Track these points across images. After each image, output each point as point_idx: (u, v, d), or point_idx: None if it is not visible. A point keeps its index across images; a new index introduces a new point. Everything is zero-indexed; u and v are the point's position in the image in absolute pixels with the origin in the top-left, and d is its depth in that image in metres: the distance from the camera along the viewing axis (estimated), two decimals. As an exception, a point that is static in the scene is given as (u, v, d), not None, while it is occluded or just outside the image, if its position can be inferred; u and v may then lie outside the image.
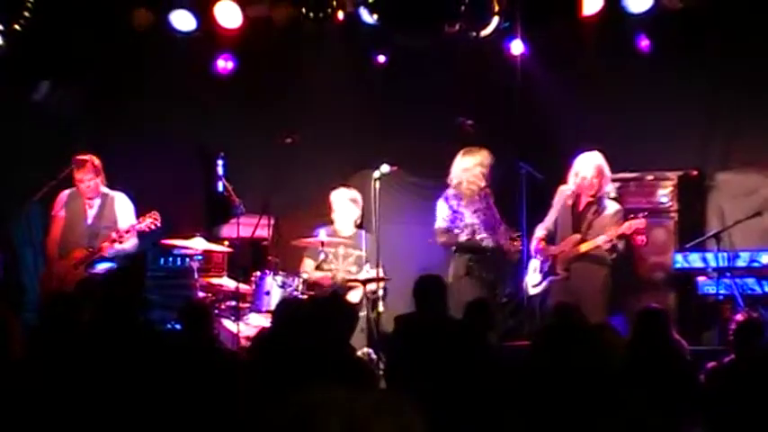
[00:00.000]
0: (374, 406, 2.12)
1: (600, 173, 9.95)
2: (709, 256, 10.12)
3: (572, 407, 3.50)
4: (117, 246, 10.03)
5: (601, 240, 9.77)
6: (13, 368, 5.36)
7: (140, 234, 10.14)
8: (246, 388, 5.29)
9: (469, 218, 10.19)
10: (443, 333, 7.50)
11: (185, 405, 5.59)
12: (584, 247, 9.88)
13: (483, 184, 10.21)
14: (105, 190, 10.32)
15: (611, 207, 10.04)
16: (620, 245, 9.85)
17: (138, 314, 6.68)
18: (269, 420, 2.14)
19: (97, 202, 10.26)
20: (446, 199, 10.30)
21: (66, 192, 10.33)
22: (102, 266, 10.02)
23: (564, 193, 10.11)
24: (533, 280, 10.15)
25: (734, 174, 10.90)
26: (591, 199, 10.01)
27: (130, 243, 10.13)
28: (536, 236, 10.14)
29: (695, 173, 10.90)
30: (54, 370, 5.63)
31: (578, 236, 9.94)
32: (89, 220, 10.23)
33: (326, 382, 2.99)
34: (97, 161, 10.22)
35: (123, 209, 10.30)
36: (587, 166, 9.98)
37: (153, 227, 10.03)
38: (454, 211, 10.23)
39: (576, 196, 10.07)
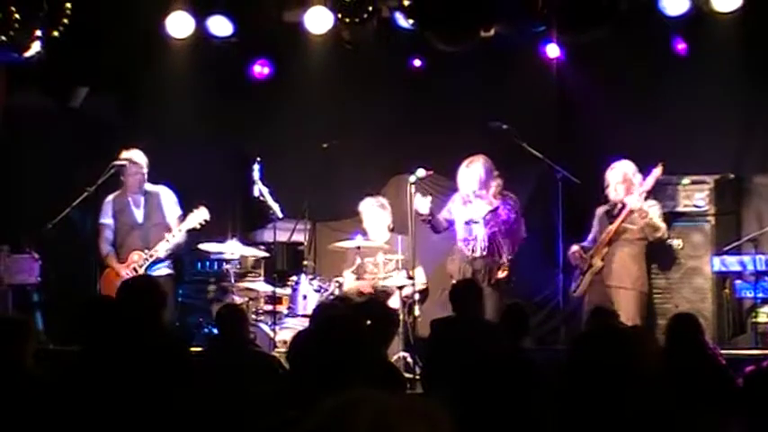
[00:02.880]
0: (403, 409, 2.14)
1: (628, 181, 9.98)
2: (747, 259, 10.10)
3: (608, 412, 3.49)
4: (171, 242, 10.12)
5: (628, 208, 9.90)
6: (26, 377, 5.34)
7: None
8: (282, 391, 5.30)
9: (460, 225, 10.21)
10: (479, 337, 7.50)
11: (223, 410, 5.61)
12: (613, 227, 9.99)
13: (476, 189, 10.12)
14: (149, 186, 10.37)
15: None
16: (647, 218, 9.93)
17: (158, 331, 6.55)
18: (299, 423, 2.16)
19: (141, 200, 10.30)
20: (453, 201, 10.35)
21: (110, 197, 10.36)
22: (158, 268, 10.10)
23: (601, 210, 10.21)
24: (573, 287, 10.20)
25: (772, 177, 10.87)
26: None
27: (181, 236, 10.21)
28: (573, 247, 10.17)
29: (732, 176, 10.85)
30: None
31: (612, 227, 9.98)
32: (139, 221, 10.28)
33: (357, 385, 3.00)
34: (142, 156, 10.31)
35: (169, 203, 10.35)
36: (616, 174, 10.09)
37: (203, 223, 10.13)
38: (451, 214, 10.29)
39: (612, 205, 10.11)
